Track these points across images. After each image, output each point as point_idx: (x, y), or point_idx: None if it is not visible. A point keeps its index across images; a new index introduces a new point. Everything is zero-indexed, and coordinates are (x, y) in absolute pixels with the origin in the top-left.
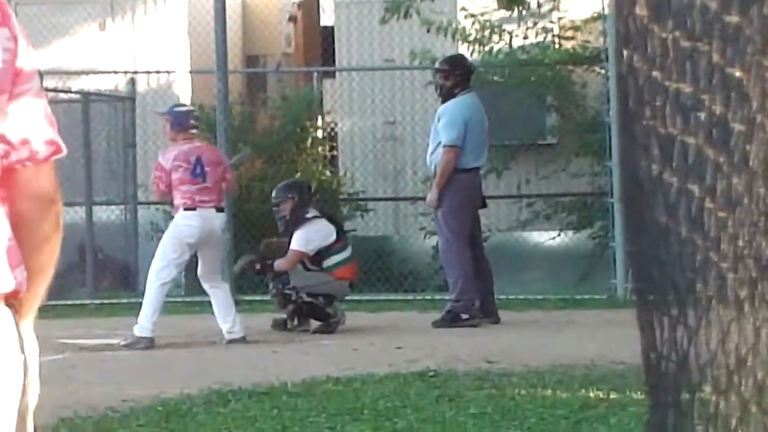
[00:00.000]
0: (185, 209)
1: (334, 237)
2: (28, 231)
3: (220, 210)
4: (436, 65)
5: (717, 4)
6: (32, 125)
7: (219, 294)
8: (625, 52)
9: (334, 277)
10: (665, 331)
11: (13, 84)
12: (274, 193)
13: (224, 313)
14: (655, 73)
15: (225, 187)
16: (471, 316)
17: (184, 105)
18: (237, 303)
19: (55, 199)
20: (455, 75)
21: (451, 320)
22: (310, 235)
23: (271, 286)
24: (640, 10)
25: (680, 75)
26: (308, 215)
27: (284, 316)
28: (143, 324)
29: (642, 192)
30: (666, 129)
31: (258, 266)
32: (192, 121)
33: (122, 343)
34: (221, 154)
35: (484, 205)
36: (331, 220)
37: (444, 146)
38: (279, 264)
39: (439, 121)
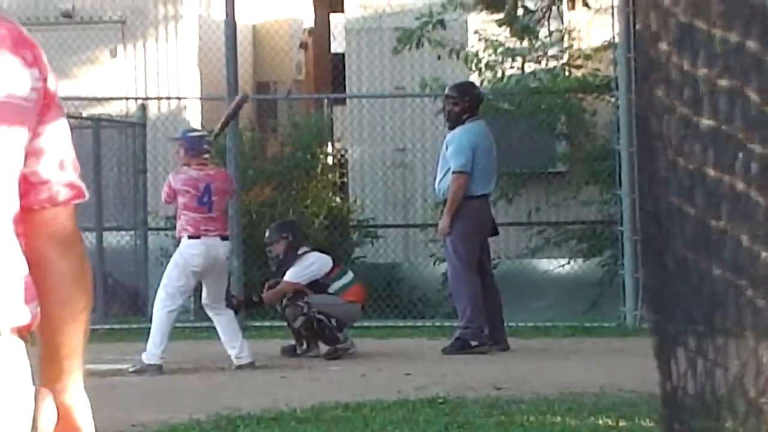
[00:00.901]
0: (189, 237)
1: (330, 265)
2: (46, 272)
3: (224, 238)
4: (446, 91)
5: (757, 43)
6: (53, 167)
7: (223, 321)
8: (642, 85)
9: (345, 300)
10: (682, 363)
11: (38, 123)
12: (267, 234)
13: (231, 339)
14: (677, 107)
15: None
16: (480, 343)
17: (197, 130)
18: (245, 329)
19: (74, 241)
20: (464, 102)
21: (461, 347)
22: (303, 270)
23: (284, 301)
24: (663, 45)
25: (701, 107)
26: (299, 252)
27: (293, 342)
28: (151, 351)
29: (661, 224)
30: (687, 162)
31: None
32: (205, 146)
33: (131, 369)
34: (231, 180)
35: (496, 233)
36: (322, 252)
37: (453, 173)
38: (267, 296)
39: (447, 148)
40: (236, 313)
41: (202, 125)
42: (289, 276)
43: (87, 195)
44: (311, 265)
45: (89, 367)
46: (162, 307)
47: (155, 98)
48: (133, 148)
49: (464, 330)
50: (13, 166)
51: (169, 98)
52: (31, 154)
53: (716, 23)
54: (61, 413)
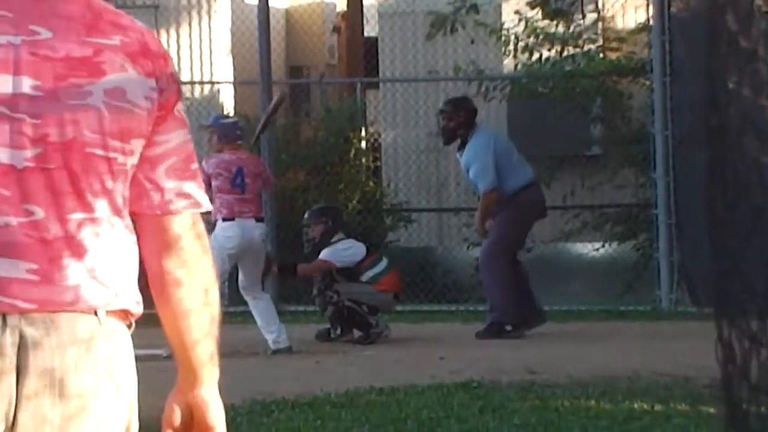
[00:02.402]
0: (224, 219)
1: (363, 253)
2: (161, 279)
3: (259, 220)
4: (440, 107)
5: None
6: (168, 175)
7: (261, 305)
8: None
9: (376, 290)
10: (740, 345)
11: (154, 133)
12: (306, 215)
13: (268, 323)
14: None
15: (265, 190)
16: (514, 327)
17: (228, 116)
18: (280, 313)
19: (190, 249)
20: (458, 116)
21: (495, 332)
22: (338, 252)
23: (315, 289)
24: (744, 42)
25: None
26: (333, 239)
27: (327, 326)
28: None
29: (725, 210)
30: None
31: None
32: (238, 132)
33: (165, 354)
34: (264, 164)
35: (544, 215)
36: (357, 239)
37: (483, 194)
38: (302, 268)
39: (467, 171)
40: (264, 276)
41: (235, 110)
42: (324, 255)
43: (205, 206)
44: (347, 249)
45: None
46: None
47: (188, 83)
48: None
49: (498, 314)
50: (123, 162)
51: (202, 83)
52: (147, 161)
53: None
54: (194, 413)
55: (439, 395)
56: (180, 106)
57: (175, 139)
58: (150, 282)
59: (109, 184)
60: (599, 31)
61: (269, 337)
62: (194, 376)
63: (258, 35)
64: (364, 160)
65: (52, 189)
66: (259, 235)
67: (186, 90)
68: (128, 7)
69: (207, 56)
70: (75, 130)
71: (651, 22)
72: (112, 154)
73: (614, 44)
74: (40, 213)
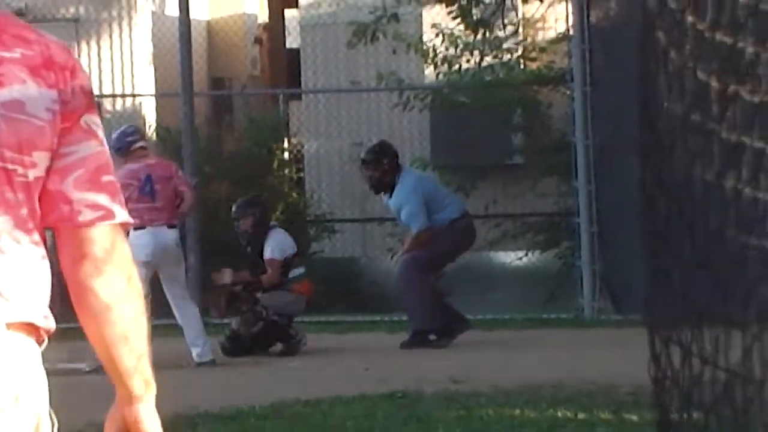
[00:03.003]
0: (135, 229)
1: (295, 248)
2: (80, 292)
3: (171, 226)
4: (362, 157)
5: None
6: (77, 187)
7: (188, 317)
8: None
9: (294, 293)
10: (672, 356)
11: (60, 144)
12: (234, 209)
13: (194, 336)
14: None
15: (181, 206)
16: (438, 336)
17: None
18: (204, 326)
19: (107, 261)
20: (383, 165)
21: (419, 341)
22: (283, 243)
23: (243, 306)
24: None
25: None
26: (270, 226)
27: (232, 330)
28: None
29: (661, 218)
30: (686, 162)
31: (241, 288)
32: (128, 139)
33: (87, 368)
34: (174, 168)
35: (473, 244)
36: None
37: (417, 233)
38: (266, 278)
39: (399, 214)
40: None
41: (157, 122)
42: (274, 253)
43: (120, 217)
44: (287, 239)
45: (45, 367)
46: None
47: (110, 95)
48: None
49: (420, 324)
50: (24, 174)
51: (123, 95)
52: (55, 173)
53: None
54: (131, 430)
55: (365, 406)
56: (90, 118)
57: (83, 150)
58: (71, 294)
59: (10, 196)
60: (519, 41)
61: (194, 351)
62: (130, 394)
63: (179, 47)
64: (287, 171)
65: None
66: (173, 240)
67: (108, 103)
68: (48, 21)
69: (128, 69)
70: None
71: (571, 31)
72: (10, 166)
73: (534, 54)
74: None
